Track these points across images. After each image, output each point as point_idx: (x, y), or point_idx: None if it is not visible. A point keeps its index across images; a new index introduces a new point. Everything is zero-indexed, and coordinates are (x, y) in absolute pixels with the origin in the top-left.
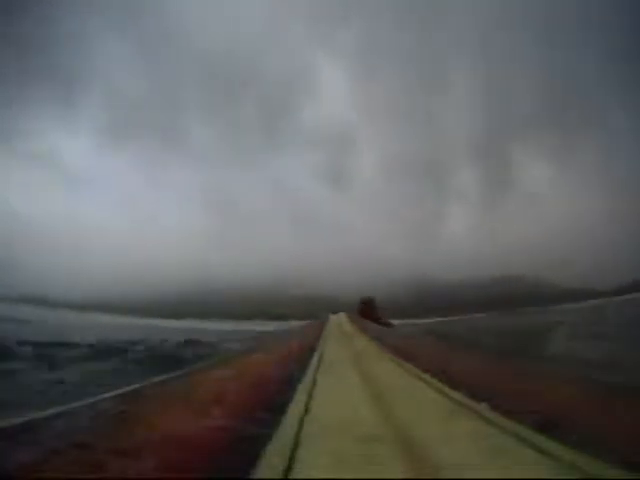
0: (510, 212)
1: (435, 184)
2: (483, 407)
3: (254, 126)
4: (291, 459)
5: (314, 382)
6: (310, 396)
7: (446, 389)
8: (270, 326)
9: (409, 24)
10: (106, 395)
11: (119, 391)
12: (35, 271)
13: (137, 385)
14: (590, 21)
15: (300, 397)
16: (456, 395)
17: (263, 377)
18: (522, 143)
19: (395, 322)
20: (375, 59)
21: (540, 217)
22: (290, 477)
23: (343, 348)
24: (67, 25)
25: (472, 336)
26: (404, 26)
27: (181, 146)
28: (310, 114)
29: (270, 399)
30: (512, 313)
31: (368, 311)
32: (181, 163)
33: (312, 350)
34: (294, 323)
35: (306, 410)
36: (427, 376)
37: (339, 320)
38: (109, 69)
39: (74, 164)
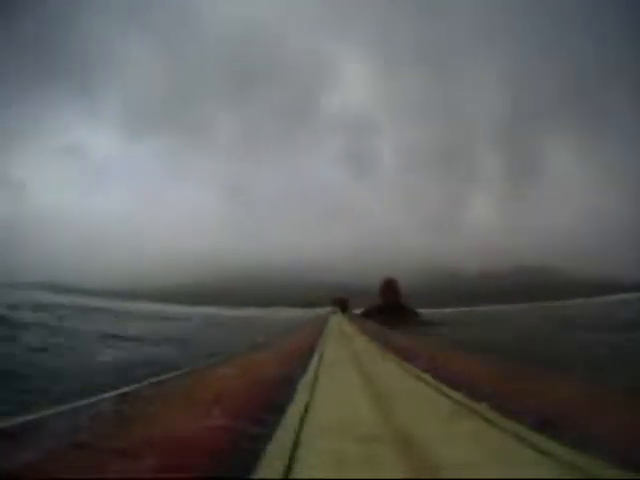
0: (534, 199)
1: (457, 171)
2: (482, 407)
3: (274, 115)
4: (291, 459)
5: (314, 382)
6: (310, 396)
7: (446, 389)
8: (293, 313)
9: (429, 10)
10: (106, 395)
11: (119, 391)
12: (64, 260)
13: (137, 385)
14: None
15: (300, 397)
16: (456, 395)
17: (263, 377)
18: (546, 129)
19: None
20: (395, 46)
21: (565, 204)
22: (290, 477)
23: (343, 348)
24: (86, 24)
25: (488, 333)
26: (423, 12)
27: (202, 136)
28: (331, 102)
29: (270, 399)
30: (535, 305)
31: (390, 294)
32: (203, 153)
33: (312, 350)
34: (317, 310)
35: (306, 410)
36: (427, 376)
37: (339, 320)
38: (129, 64)
39: (98, 157)
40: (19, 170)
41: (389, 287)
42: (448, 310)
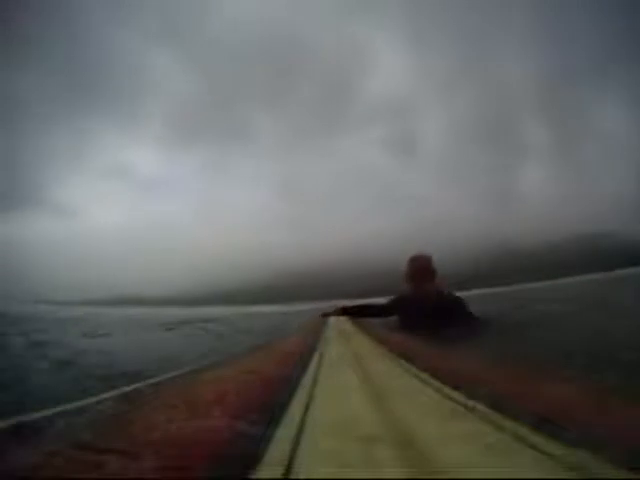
0: (587, 163)
1: (503, 143)
2: (480, 406)
3: (314, 107)
4: (291, 459)
5: (314, 382)
6: (310, 396)
7: (446, 389)
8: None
9: None
10: (106, 395)
11: (119, 391)
12: (128, 274)
13: (137, 385)
14: None
15: (300, 397)
16: (456, 395)
17: (263, 377)
18: (592, 90)
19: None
20: (427, 22)
21: (623, 165)
22: (290, 477)
23: (343, 348)
24: (119, 45)
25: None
26: None
27: (245, 137)
28: (367, 87)
29: (270, 399)
30: (606, 275)
31: (421, 275)
32: (247, 153)
33: (312, 350)
34: (377, 300)
35: (306, 410)
36: (426, 376)
37: (339, 319)
38: (164, 77)
39: (144, 171)
40: (70, 193)
41: (420, 267)
42: (509, 289)
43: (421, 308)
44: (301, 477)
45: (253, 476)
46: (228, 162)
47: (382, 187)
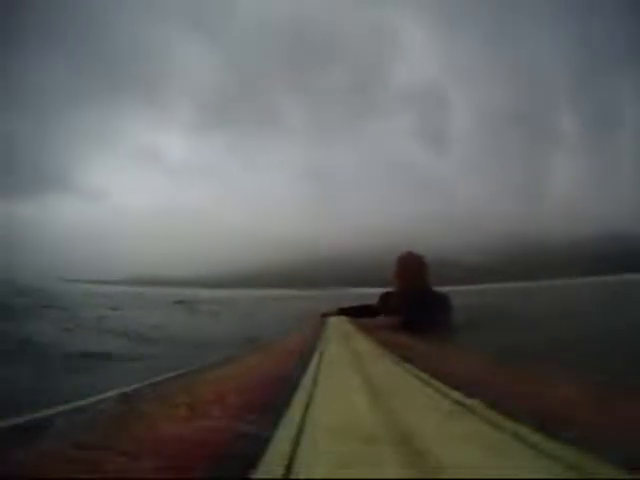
0: (619, 157)
1: (534, 135)
2: (478, 405)
3: (343, 94)
4: (291, 459)
5: (314, 382)
6: (310, 396)
7: (446, 389)
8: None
9: None
10: (106, 395)
11: (119, 391)
12: (149, 257)
13: (137, 385)
14: None
15: (300, 397)
16: (456, 395)
17: (263, 377)
18: (624, 80)
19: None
20: (456, 12)
21: None
22: (290, 477)
23: (343, 348)
24: (146, 32)
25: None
26: None
27: (274, 124)
28: (395, 74)
29: (270, 399)
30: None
31: (411, 274)
32: (276, 140)
33: (312, 350)
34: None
35: (306, 410)
36: (426, 376)
37: (339, 319)
38: (191, 64)
39: (174, 156)
40: (98, 176)
41: (407, 266)
42: (533, 284)
43: (406, 306)
44: (301, 477)
45: (253, 476)
46: (255, 148)
47: (409, 175)
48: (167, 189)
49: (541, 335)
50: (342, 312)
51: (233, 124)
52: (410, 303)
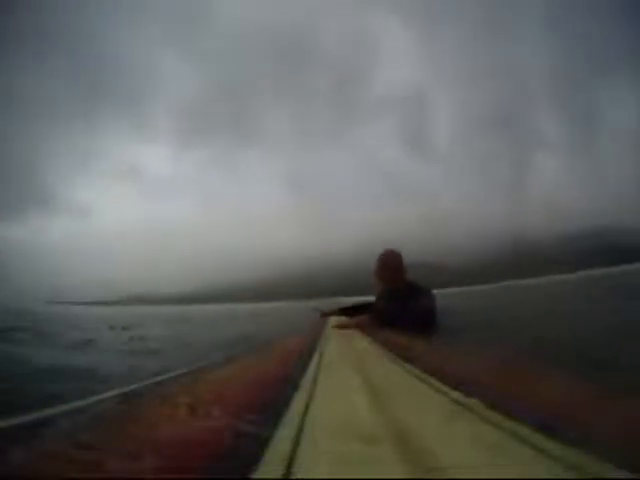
0: (601, 154)
1: (517, 136)
2: (478, 405)
3: (324, 101)
4: (291, 459)
5: (314, 382)
6: (310, 396)
7: (446, 389)
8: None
9: None
10: (106, 395)
11: (119, 390)
12: (130, 273)
13: (137, 385)
14: None
15: (300, 397)
16: (456, 395)
17: (263, 377)
18: (604, 81)
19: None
20: (437, 12)
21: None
22: (290, 477)
23: (343, 348)
24: (128, 46)
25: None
26: None
27: (255, 133)
28: (379, 80)
29: (270, 399)
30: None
31: (390, 271)
32: (257, 150)
33: (312, 350)
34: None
35: (306, 410)
36: (426, 376)
37: (338, 319)
38: (170, 76)
39: (155, 171)
40: (82, 194)
41: (388, 263)
42: (523, 282)
43: (388, 301)
44: (301, 477)
45: (253, 476)
46: (237, 159)
47: (393, 180)
48: (149, 204)
49: (528, 334)
50: (342, 312)
51: (216, 137)
52: (392, 298)
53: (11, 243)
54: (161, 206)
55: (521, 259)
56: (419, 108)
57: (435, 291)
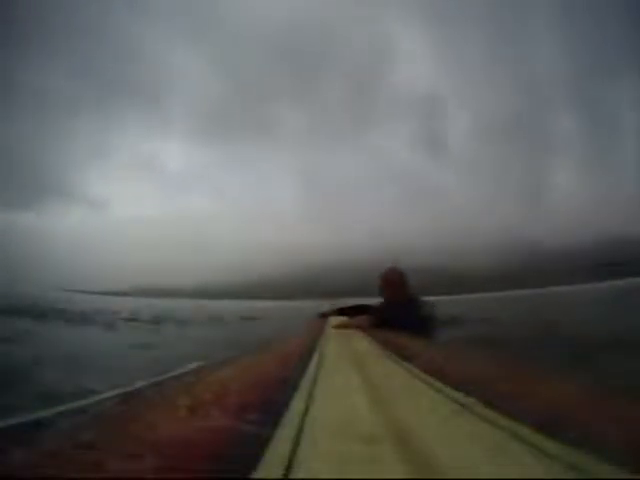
0: (619, 162)
1: (534, 141)
2: (478, 405)
3: (340, 102)
4: (291, 459)
5: (314, 382)
6: (310, 396)
7: (446, 389)
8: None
9: None
10: (106, 395)
11: (119, 391)
12: (143, 265)
13: (138, 385)
14: None
15: (300, 397)
16: (456, 394)
17: (263, 377)
18: (626, 85)
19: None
20: (452, 16)
21: None
22: (290, 477)
23: (343, 348)
24: (138, 39)
25: None
26: None
27: (272, 132)
28: (393, 82)
29: (270, 399)
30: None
31: (393, 288)
32: (272, 149)
33: (312, 350)
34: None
35: (306, 410)
36: (426, 376)
37: (339, 319)
38: (189, 74)
39: (171, 166)
40: (98, 185)
41: (390, 280)
42: (530, 292)
43: (391, 313)
44: (301, 477)
45: (253, 476)
46: (253, 157)
47: (406, 184)
48: (166, 198)
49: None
50: (341, 312)
51: (230, 132)
52: (395, 311)
53: (27, 231)
54: (176, 200)
55: (532, 266)
56: (434, 109)
57: (446, 297)
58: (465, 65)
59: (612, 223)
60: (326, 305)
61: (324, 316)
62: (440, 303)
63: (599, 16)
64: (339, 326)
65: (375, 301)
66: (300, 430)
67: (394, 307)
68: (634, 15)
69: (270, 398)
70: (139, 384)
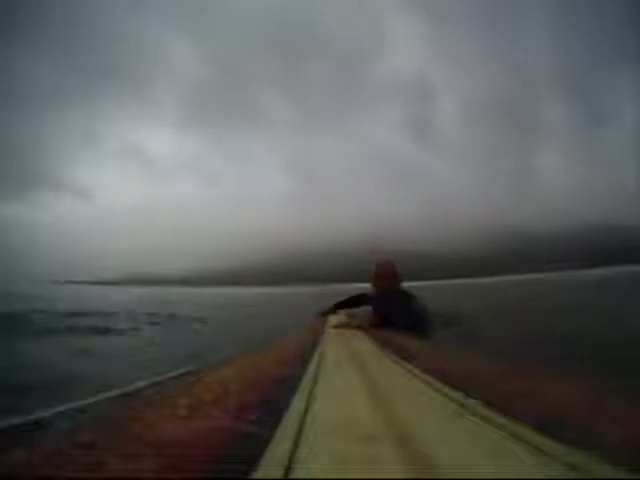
0: (606, 150)
1: (522, 127)
2: (478, 405)
3: (326, 87)
4: (291, 459)
5: (314, 382)
6: (310, 396)
7: (446, 389)
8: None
9: None
10: (106, 395)
11: (119, 391)
12: (132, 253)
13: (138, 385)
14: None
15: (300, 397)
16: (456, 395)
17: (263, 377)
18: (616, 74)
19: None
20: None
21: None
22: (290, 477)
23: (343, 347)
24: (125, 26)
25: None
26: None
27: (257, 118)
28: (382, 66)
29: (270, 399)
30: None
31: (385, 281)
32: (259, 135)
33: (312, 350)
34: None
35: (306, 410)
36: (426, 376)
37: (338, 318)
38: (173, 60)
39: (158, 154)
40: (86, 175)
41: (381, 273)
42: (517, 277)
43: (383, 305)
44: (301, 477)
45: (253, 476)
46: (240, 144)
47: (395, 169)
48: (152, 185)
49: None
50: (338, 306)
51: (217, 118)
52: (386, 304)
53: (15, 221)
54: (162, 187)
55: (521, 252)
56: (423, 93)
57: (433, 282)
58: (454, 48)
59: (600, 211)
60: (316, 289)
61: (323, 315)
62: (423, 289)
63: (591, 3)
64: (339, 326)
65: (366, 287)
66: (300, 430)
67: (387, 298)
68: (625, 4)
69: (270, 398)
70: (140, 384)
